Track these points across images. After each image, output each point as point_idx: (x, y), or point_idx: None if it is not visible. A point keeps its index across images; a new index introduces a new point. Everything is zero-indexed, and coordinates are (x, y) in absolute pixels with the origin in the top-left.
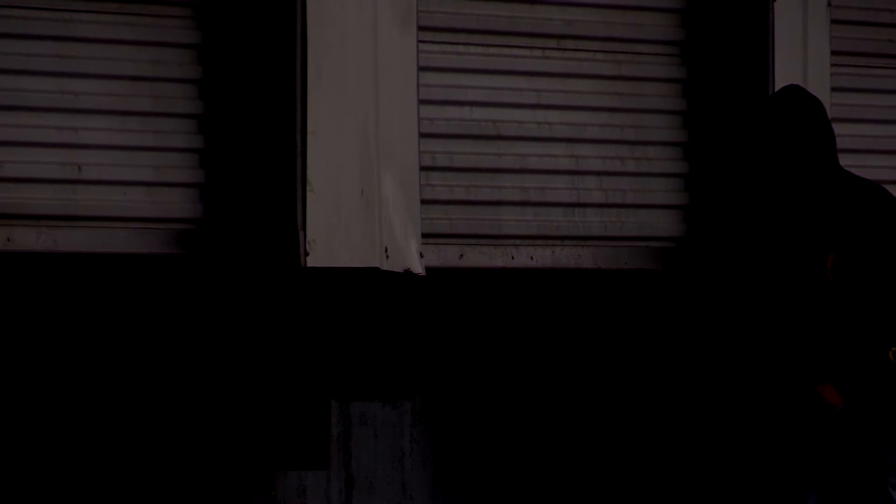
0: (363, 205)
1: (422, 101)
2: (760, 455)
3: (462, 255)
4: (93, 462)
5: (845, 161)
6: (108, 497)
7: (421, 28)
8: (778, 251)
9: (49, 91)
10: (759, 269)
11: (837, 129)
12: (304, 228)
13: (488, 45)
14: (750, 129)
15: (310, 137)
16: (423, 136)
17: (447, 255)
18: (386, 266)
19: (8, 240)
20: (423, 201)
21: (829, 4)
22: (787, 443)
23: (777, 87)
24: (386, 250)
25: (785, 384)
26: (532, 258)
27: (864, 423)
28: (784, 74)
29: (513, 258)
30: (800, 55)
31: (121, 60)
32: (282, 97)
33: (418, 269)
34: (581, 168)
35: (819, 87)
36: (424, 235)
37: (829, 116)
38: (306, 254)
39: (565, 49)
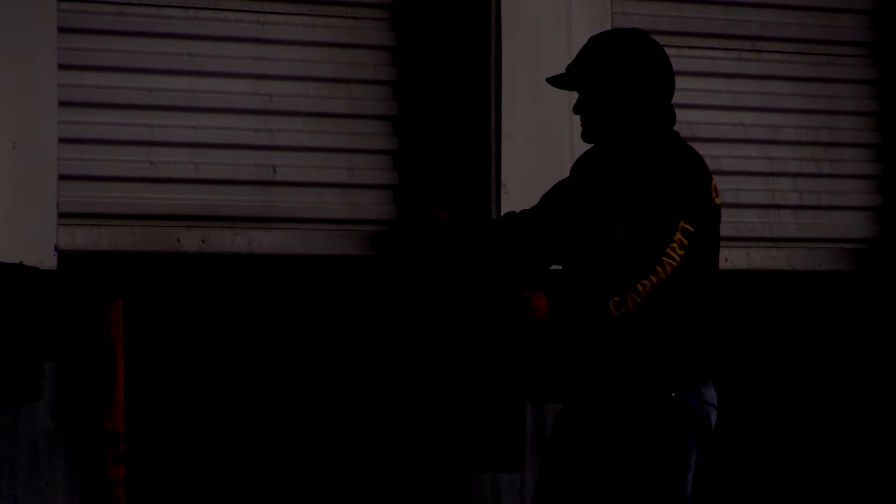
0: None
1: None
2: None
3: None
4: (288, 460)
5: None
6: (309, 493)
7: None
8: (587, 206)
9: (245, 93)
10: None
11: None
12: None
13: (683, 47)
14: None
15: (504, 139)
16: None
17: None
18: None
19: (203, 241)
20: None
21: None
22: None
23: None
24: None
25: None
26: (727, 259)
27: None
28: None
29: None
30: None
31: (316, 63)
32: (476, 99)
33: None
34: (776, 170)
35: None
36: None
37: None
38: None
39: (761, 51)
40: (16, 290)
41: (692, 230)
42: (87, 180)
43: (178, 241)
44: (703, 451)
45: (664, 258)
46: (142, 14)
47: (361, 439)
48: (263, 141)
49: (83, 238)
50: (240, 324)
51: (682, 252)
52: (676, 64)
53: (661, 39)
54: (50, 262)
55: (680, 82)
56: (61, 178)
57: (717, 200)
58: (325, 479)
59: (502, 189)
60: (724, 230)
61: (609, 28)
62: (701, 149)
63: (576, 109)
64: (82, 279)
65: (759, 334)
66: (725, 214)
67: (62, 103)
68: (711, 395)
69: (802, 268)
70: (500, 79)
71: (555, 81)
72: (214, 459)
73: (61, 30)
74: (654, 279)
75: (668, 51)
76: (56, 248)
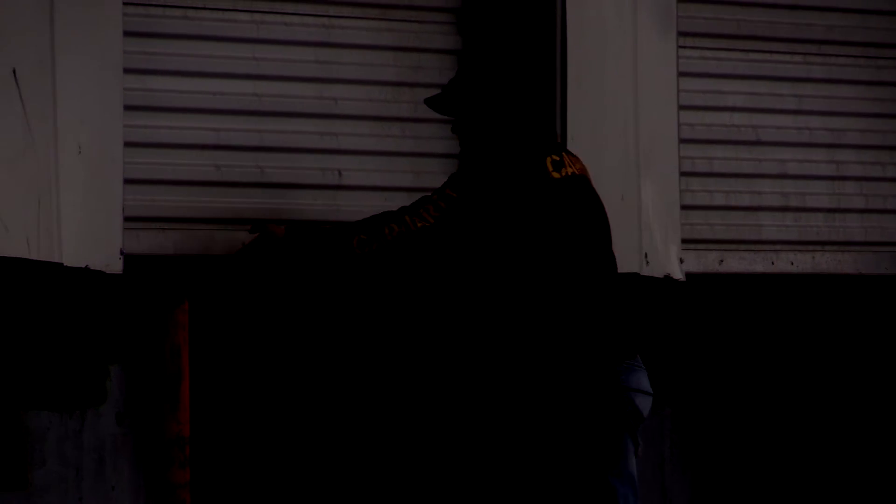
0: (623, 210)
1: (682, 107)
2: None
3: (722, 261)
4: (354, 463)
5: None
6: (376, 496)
7: (681, 33)
8: None
9: (309, 97)
10: None
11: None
12: None
13: (749, 51)
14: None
15: (570, 143)
16: (683, 141)
17: (707, 261)
18: (645, 271)
19: None
20: (683, 206)
21: None
22: None
23: None
24: (646, 256)
25: None
26: (792, 263)
27: None
28: None
29: (773, 263)
30: None
31: (381, 66)
32: (542, 103)
33: (678, 274)
34: (841, 174)
35: None
36: (684, 241)
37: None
38: None
39: (826, 54)
40: (82, 294)
41: (454, 196)
42: (153, 184)
43: (243, 244)
44: (633, 436)
45: (417, 213)
46: (207, 18)
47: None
48: (328, 145)
49: (148, 242)
50: (304, 326)
51: (436, 213)
52: (742, 68)
53: (726, 43)
54: (116, 265)
55: (745, 86)
56: (127, 181)
57: (565, 172)
58: (388, 477)
59: None
60: (790, 234)
61: (674, 31)
62: (766, 153)
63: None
64: (148, 283)
65: (826, 337)
66: (790, 218)
67: (128, 107)
68: (633, 380)
69: (868, 271)
70: (565, 85)
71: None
72: (279, 463)
73: (126, 34)
74: (399, 227)
75: (733, 54)
76: (122, 252)
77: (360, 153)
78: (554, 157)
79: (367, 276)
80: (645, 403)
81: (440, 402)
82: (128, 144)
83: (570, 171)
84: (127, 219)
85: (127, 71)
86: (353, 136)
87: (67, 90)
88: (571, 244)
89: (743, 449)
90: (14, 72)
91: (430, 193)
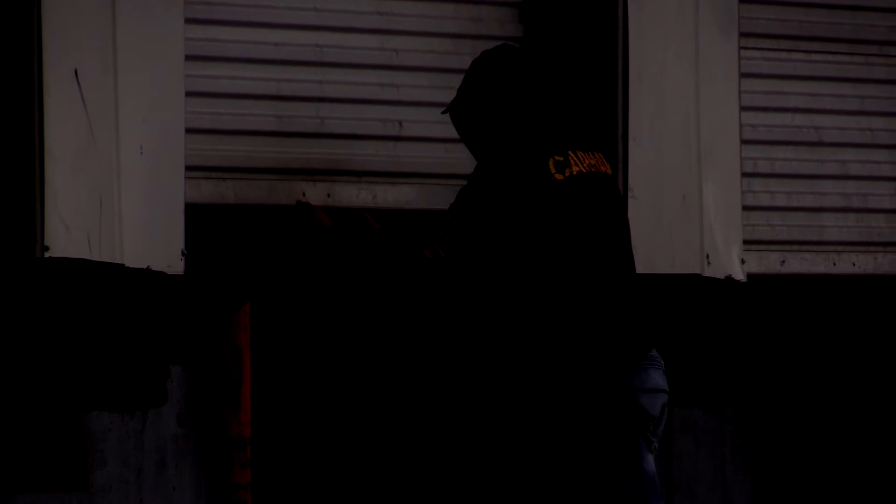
0: (684, 211)
1: (743, 108)
2: None
3: (783, 262)
4: (419, 465)
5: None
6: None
7: (743, 34)
8: None
9: (370, 48)
10: None
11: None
12: None
13: (810, 52)
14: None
15: (631, 143)
16: (744, 142)
17: (768, 262)
18: (707, 272)
19: (328, 195)
20: (744, 207)
21: None
22: None
23: None
24: (707, 257)
25: None
26: (854, 264)
27: None
28: None
29: (835, 264)
30: None
31: (442, 18)
32: (603, 104)
33: (740, 275)
34: None
35: None
36: (745, 242)
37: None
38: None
39: (888, 55)
40: (143, 295)
41: (465, 212)
42: (214, 133)
43: (304, 194)
44: (643, 436)
45: (441, 238)
46: None
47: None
48: (389, 96)
49: (209, 191)
50: (366, 327)
51: (450, 234)
52: (803, 69)
53: (787, 44)
54: (177, 266)
55: (806, 87)
56: (189, 131)
57: (569, 172)
58: (455, 480)
59: (630, 194)
60: (851, 235)
61: (736, 32)
62: (828, 154)
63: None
64: (209, 284)
65: (888, 339)
66: (852, 219)
67: (190, 57)
68: (638, 380)
69: None
70: (626, 83)
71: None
72: (340, 463)
73: None
74: (430, 253)
75: (795, 55)
76: (183, 253)
77: (421, 104)
78: (557, 157)
79: (431, 282)
80: (652, 401)
81: (456, 403)
82: (189, 94)
83: (575, 170)
84: (188, 168)
85: (188, 21)
86: (414, 87)
87: (129, 90)
88: (572, 245)
89: (805, 450)
90: (76, 72)
91: (447, 213)
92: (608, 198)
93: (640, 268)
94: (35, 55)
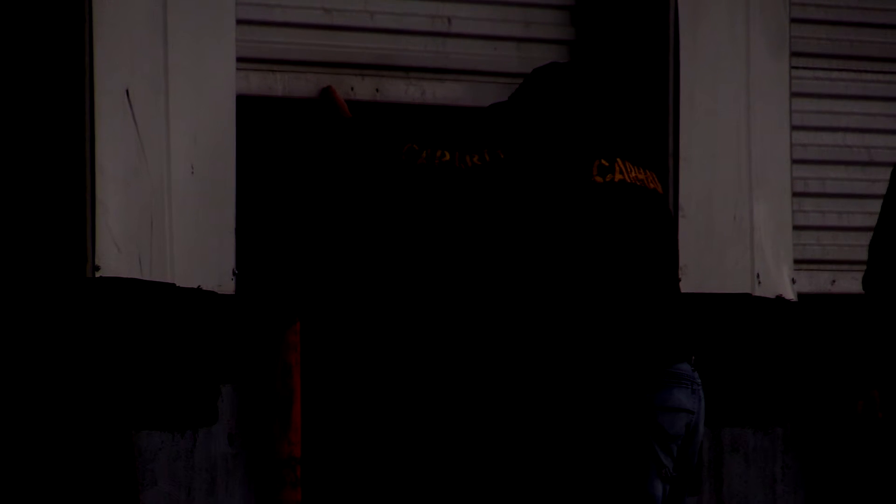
0: (735, 230)
1: (794, 127)
2: None
3: (834, 281)
4: (475, 488)
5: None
6: None
7: (794, 54)
8: None
9: None
10: None
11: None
12: None
13: (861, 71)
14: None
15: (682, 163)
16: (795, 161)
17: (819, 281)
18: (758, 292)
19: (377, 90)
20: (795, 227)
21: None
22: None
23: None
24: (758, 276)
25: None
26: None
27: None
28: None
29: None
30: None
31: None
32: (655, 121)
33: (790, 295)
34: None
35: None
36: (796, 261)
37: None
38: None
39: None
40: (193, 315)
41: (502, 157)
42: (264, 25)
43: (352, 89)
44: (654, 456)
45: (468, 150)
46: None
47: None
48: None
49: (257, 83)
50: (413, 347)
51: (481, 163)
52: (855, 88)
53: (838, 63)
54: (228, 286)
55: (857, 106)
56: (239, 22)
57: (610, 178)
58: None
59: (680, 213)
60: None
61: (787, 51)
62: (879, 173)
63: None
64: (260, 303)
65: None
66: None
67: None
68: (661, 397)
69: None
70: (677, 102)
71: None
72: (391, 483)
73: None
74: (450, 155)
75: (846, 74)
76: (234, 272)
77: (471, 1)
78: (603, 161)
79: (404, 191)
80: (672, 421)
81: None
82: None
83: (618, 178)
84: (238, 59)
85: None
86: None
87: (180, 110)
88: (597, 250)
89: (856, 469)
90: (127, 92)
91: (481, 137)
92: (650, 213)
93: (691, 287)
94: (87, 75)
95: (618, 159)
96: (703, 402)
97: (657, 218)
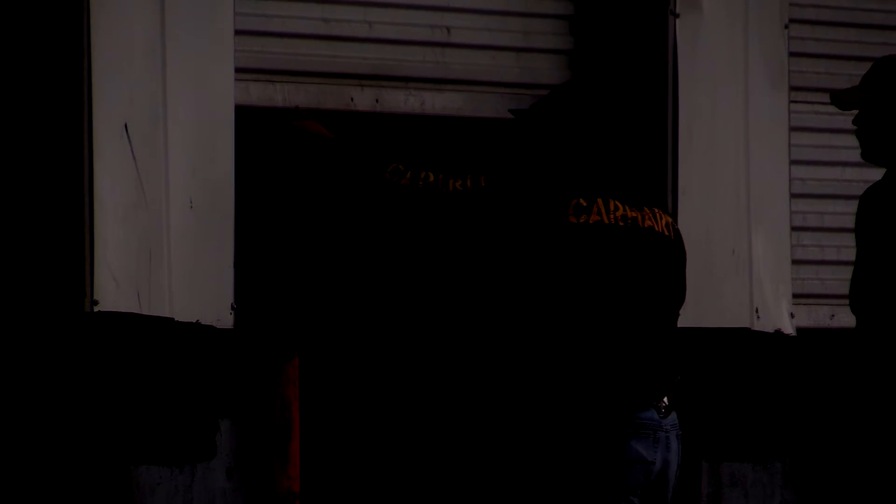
0: (734, 264)
1: (793, 161)
2: None
3: (833, 316)
4: None
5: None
6: None
7: (793, 88)
8: None
9: None
10: None
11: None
12: None
13: None
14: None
15: (681, 196)
16: (794, 195)
17: (818, 316)
18: (756, 326)
19: (376, 100)
20: (794, 261)
21: None
22: None
23: None
24: (756, 310)
25: None
26: None
27: None
28: None
29: None
30: None
31: None
32: (653, 156)
33: (789, 329)
34: None
35: None
36: (795, 296)
37: None
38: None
39: None
40: (192, 349)
41: (483, 185)
42: (263, 36)
43: (352, 99)
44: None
45: (452, 175)
46: None
47: None
48: (438, 2)
49: (257, 94)
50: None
51: (463, 189)
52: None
53: None
54: (226, 320)
55: (856, 141)
56: (238, 32)
57: (584, 219)
58: None
59: None
60: None
61: (786, 85)
62: None
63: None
64: (258, 337)
65: None
66: None
67: None
68: (617, 450)
69: None
70: (676, 135)
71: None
72: None
73: None
74: (433, 177)
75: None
76: (233, 307)
77: (470, 11)
78: (581, 201)
79: (386, 211)
80: (630, 472)
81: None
82: None
83: (594, 219)
84: (238, 70)
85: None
86: None
87: (178, 144)
88: (564, 291)
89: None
90: (126, 126)
91: (466, 161)
92: (631, 253)
93: (689, 321)
94: (85, 109)
95: (598, 199)
96: (676, 445)
97: (643, 257)
